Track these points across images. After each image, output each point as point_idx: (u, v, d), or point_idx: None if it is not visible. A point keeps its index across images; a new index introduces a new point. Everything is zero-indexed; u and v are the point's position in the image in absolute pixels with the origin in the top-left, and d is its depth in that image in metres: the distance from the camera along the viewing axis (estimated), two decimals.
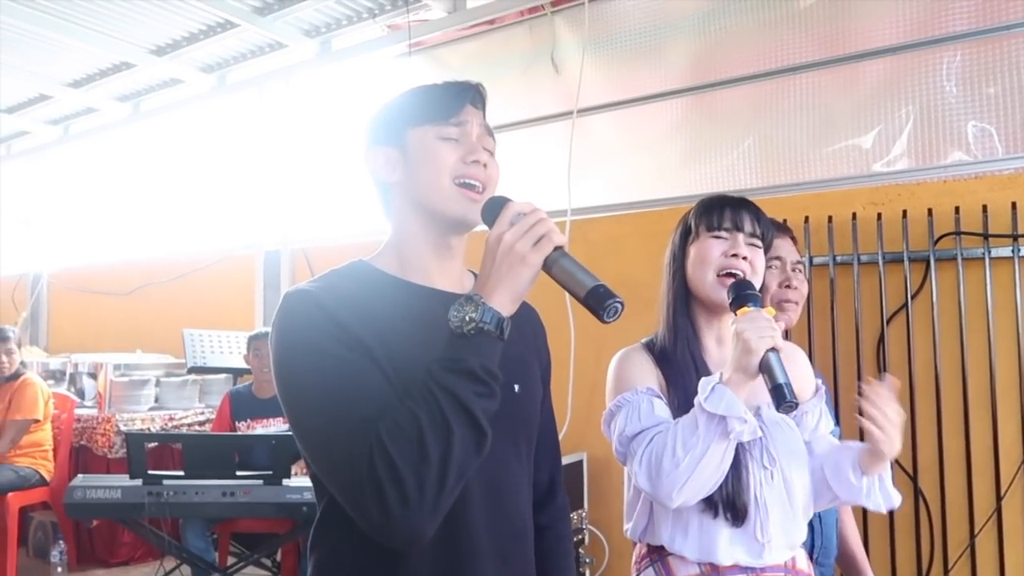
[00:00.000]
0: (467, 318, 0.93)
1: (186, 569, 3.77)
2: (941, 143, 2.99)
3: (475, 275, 1.19)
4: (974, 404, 2.67)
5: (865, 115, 3.14)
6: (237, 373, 4.28)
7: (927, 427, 2.73)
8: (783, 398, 1.22)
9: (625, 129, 3.75)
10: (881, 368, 2.82)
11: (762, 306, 1.33)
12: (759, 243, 1.46)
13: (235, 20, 4.38)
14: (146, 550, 4.32)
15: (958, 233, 2.74)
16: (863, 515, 2.77)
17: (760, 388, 1.38)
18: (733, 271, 1.41)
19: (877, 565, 2.74)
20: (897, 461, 2.73)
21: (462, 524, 1.02)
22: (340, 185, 4.78)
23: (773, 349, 1.25)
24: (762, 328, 1.27)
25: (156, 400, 4.48)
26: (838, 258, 2.95)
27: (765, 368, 1.25)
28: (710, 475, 1.29)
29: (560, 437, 3.34)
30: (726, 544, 1.37)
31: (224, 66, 5.17)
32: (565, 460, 3.22)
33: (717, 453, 1.27)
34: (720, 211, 1.47)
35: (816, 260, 2.99)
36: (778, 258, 1.94)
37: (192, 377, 4.49)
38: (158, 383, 4.49)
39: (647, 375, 1.44)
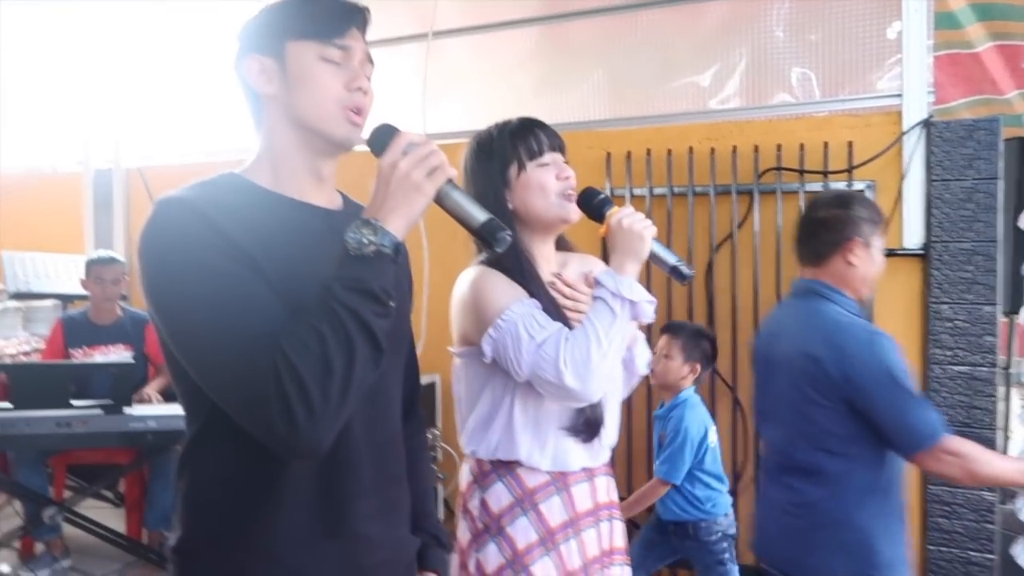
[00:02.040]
0: (365, 240, 0.96)
1: (18, 507, 3.59)
2: (768, 84, 3.25)
3: (343, 195, 1.22)
4: None
5: (704, 54, 3.34)
6: (67, 300, 4.01)
7: (746, 345, 3.03)
8: (683, 275, 1.42)
9: (480, 55, 3.76)
10: (709, 292, 3.09)
11: (613, 206, 1.47)
12: (564, 156, 1.57)
13: None
14: None
15: (779, 168, 3.01)
16: None
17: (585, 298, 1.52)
18: (570, 192, 1.51)
19: None
20: (718, 373, 3.04)
21: (342, 433, 1.04)
22: (181, 99, 4.47)
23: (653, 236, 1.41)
24: (643, 219, 1.40)
25: None
26: (675, 189, 3.16)
27: (654, 252, 1.41)
28: (615, 363, 1.43)
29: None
30: (577, 452, 1.50)
31: None
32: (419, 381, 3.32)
33: (626, 339, 1.42)
34: (537, 138, 1.52)
35: (656, 191, 3.19)
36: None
37: (14, 304, 4.15)
38: None
39: (515, 288, 1.45)
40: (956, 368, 2.73)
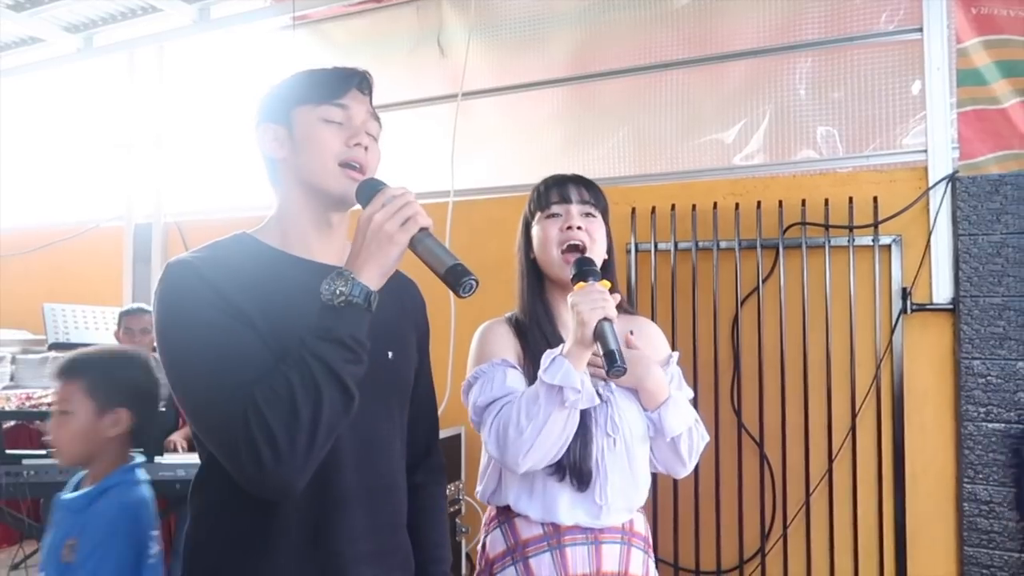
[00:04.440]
0: (337, 291, 1.01)
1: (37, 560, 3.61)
2: (792, 141, 3.28)
3: None
4: (812, 377, 2.97)
5: (728, 112, 3.39)
6: None
7: (773, 399, 3.01)
8: (613, 362, 1.28)
9: (508, 114, 3.86)
10: (735, 345, 3.08)
11: (599, 280, 1.40)
12: (594, 211, 1.56)
13: None
14: (2, 534, 4.08)
15: (803, 223, 3.02)
16: (715, 479, 3.04)
17: None
18: (573, 243, 1.50)
19: (727, 523, 3.02)
20: (746, 429, 3.01)
21: (333, 477, 1.10)
22: (217, 158, 4.65)
23: (606, 319, 1.31)
24: (594, 300, 1.33)
25: (12, 378, 4.23)
26: (700, 244, 3.18)
27: (599, 336, 1.31)
28: (553, 442, 1.36)
29: (440, 411, 3.44)
30: (567, 506, 1.46)
31: (91, 27, 4.88)
32: (445, 433, 3.32)
33: (559, 421, 1.35)
34: (547, 190, 1.57)
35: (680, 245, 3.21)
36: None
37: (52, 354, 4.25)
38: (14, 360, 4.24)
39: (505, 347, 1.51)
40: (990, 425, 2.67)
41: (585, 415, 1.44)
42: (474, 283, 1.06)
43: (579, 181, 1.59)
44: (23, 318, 4.65)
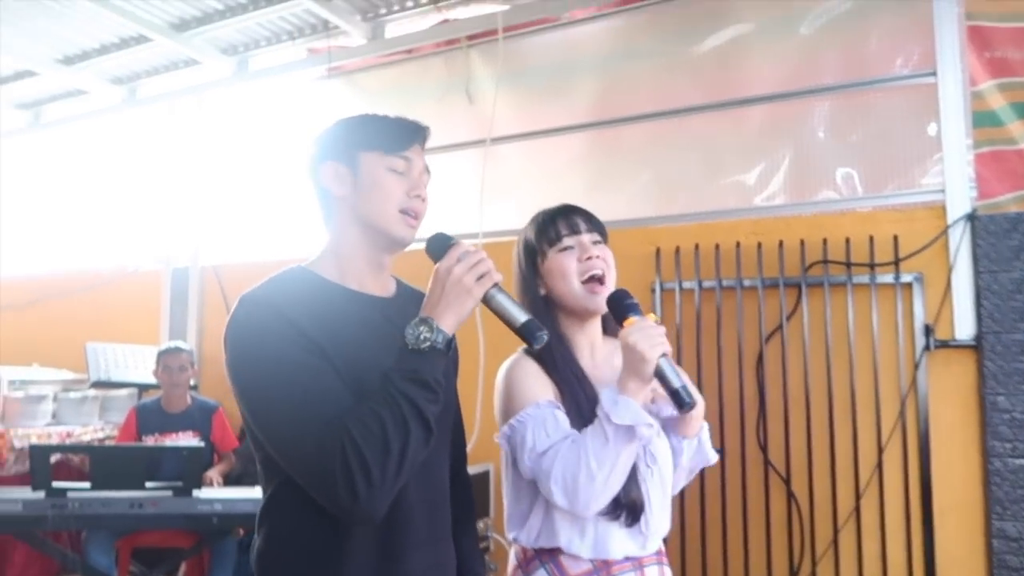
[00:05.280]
0: (422, 336, 1.11)
1: None
2: (812, 182, 3.36)
3: (397, 280, 1.37)
4: (838, 414, 3.00)
5: (748, 154, 3.49)
6: (142, 388, 4.23)
7: (798, 436, 3.04)
8: (682, 402, 1.30)
9: (534, 159, 3.99)
10: (760, 382, 3.13)
11: (642, 313, 1.40)
12: (600, 238, 1.56)
13: (151, 35, 4.38)
14: (38, 570, 4.16)
15: (825, 262, 3.08)
16: (743, 516, 3.06)
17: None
18: (594, 273, 1.51)
19: (755, 559, 3.03)
20: (772, 466, 3.04)
21: (400, 494, 1.17)
22: (253, 204, 4.82)
23: (664, 355, 1.32)
24: (652, 336, 1.33)
25: (53, 416, 4.34)
26: (723, 282, 3.25)
27: (659, 374, 1.31)
28: (621, 482, 1.37)
29: (469, 448, 3.50)
30: (619, 540, 1.45)
31: (134, 79, 5.12)
32: (473, 470, 3.36)
33: (627, 460, 1.36)
34: (555, 224, 1.54)
35: (705, 284, 3.28)
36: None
37: (92, 393, 4.38)
38: (56, 398, 4.36)
39: (543, 386, 1.47)
40: (1017, 461, 2.68)
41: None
42: (546, 336, 1.20)
43: (581, 212, 1.59)
44: (64, 359, 4.79)
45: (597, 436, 1.34)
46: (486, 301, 1.18)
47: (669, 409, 1.53)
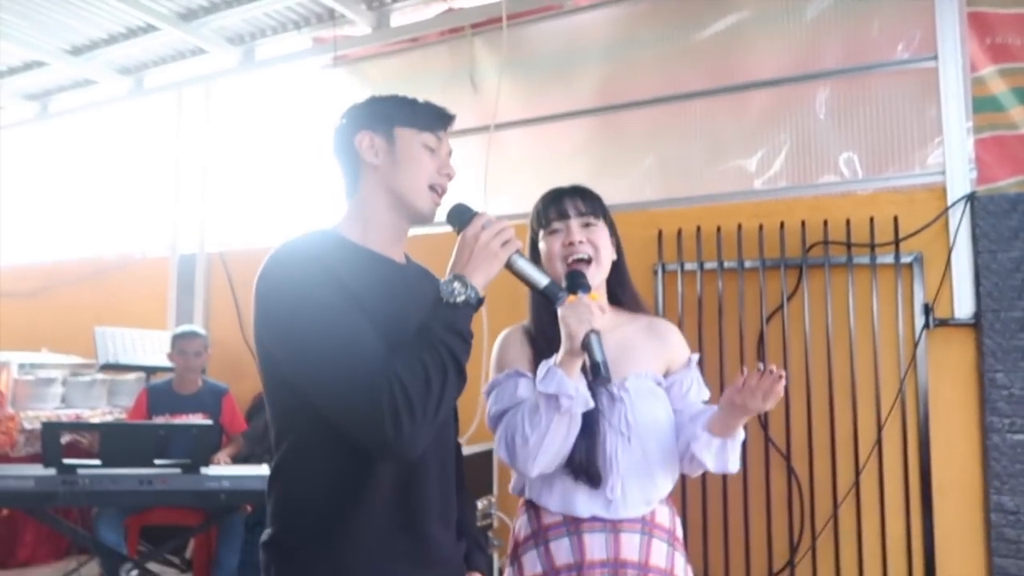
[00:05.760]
0: (456, 291, 1.20)
1: (88, 570, 3.74)
2: (813, 165, 3.40)
3: (405, 254, 1.42)
4: (838, 392, 3.04)
5: (750, 139, 3.52)
6: (150, 371, 4.27)
7: (799, 414, 3.08)
8: (598, 374, 1.34)
9: (538, 145, 4.03)
10: (761, 361, 3.15)
11: (588, 291, 1.45)
12: (593, 219, 1.62)
13: (158, 24, 4.43)
14: (48, 550, 4.21)
15: (826, 243, 3.12)
16: (744, 492, 3.10)
17: (633, 358, 1.61)
18: (577, 256, 1.58)
19: (755, 535, 3.07)
20: (773, 443, 3.07)
21: (418, 462, 1.25)
22: (259, 191, 4.86)
23: (593, 331, 1.36)
24: (581, 313, 1.37)
25: (63, 400, 4.40)
26: (725, 264, 3.29)
27: (586, 348, 1.36)
28: (557, 448, 1.45)
29: (473, 428, 3.55)
30: (584, 500, 1.53)
31: (141, 69, 5.17)
32: (477, 449, 3.42)
33: (560, 427, 1.43)
34: (545, 209, 1.63)
35: (707, 266, 3.32)
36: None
37: (101, 377, 4.44)
38: (65, 382, 4.42)
39: (519, 357, 1.59)
40: (1015, 436, 2.71)
41: (594, 416, 1.51)
42: (565, 294, 1.35)
43: (575, 192, 1.65)
44: (73, 344, 4.85)
45: (531, 404, 1.45)
46: (509, 265, 1.29)
47: (703, 399, 1.65)
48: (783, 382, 1.42)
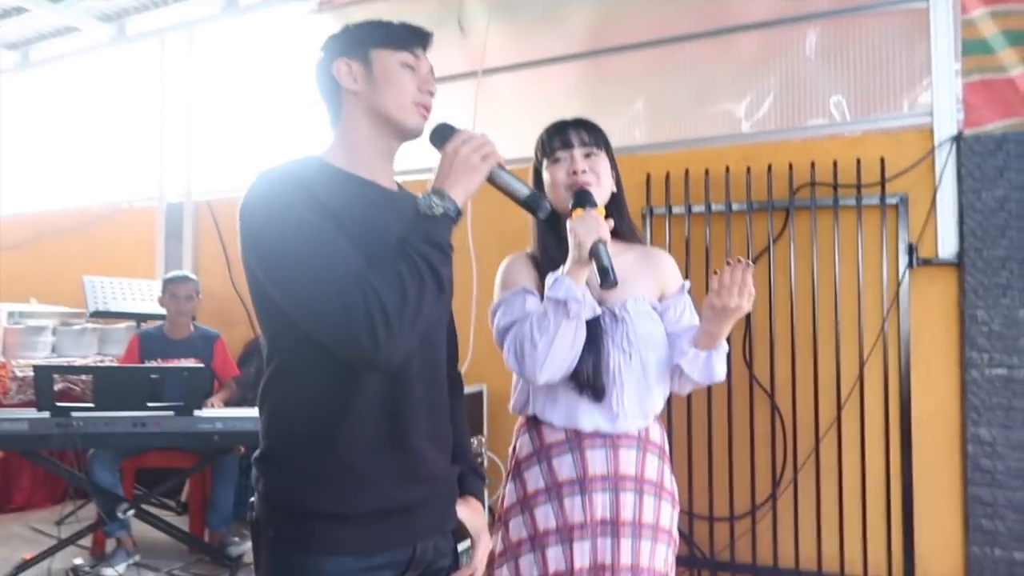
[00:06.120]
0: (434, 204, 1.19)
1: (84, 514, 3.80)
2: (802, 108, 3.40)
3: (399, 184, 1.43)
4: (821, 332, 3.09)
5: (739, 81, 3.52)
6: (140, 319, 4.29)
7: (783, 353, 3.13)
8: (606, 278, 1.44)
9: (527, 89, 4.00)
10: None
11: (594, 206, 1.55)
12: (595, 150, 1.69)
13: None
14: (45, 494, 4.27)
15: (812, 184, 3.14)
16: (728, 429, 3.16)
17: (631, 283, 1.67)
18: (580, 186, 1.63)
19: (739, 471, 3.14)
20: (757, 380, 3.13)
21: (403, 366, 1.25)
22: (245, 138, 4.82)
23: (601, 240, 1.47)
24: (589, 224, 1.49)
25: (53, 349, 4.42)
26: (713, 207, 3.31)
27: (594, 255, 1.46)
28: (565, 353, 1.53)
29: (464, 370, 3.58)
30: (587, 413, 1.61)
31: (123, 16, 5.08)
32: (468, 390, 3.46)
33: (568, 333, 1.51)
34: (549, 139, 1.70)
35: (694, 209, 3.34)
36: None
37: (91, 325, 4.45)
38: (55, 331, 4.43)
39: (525, 277, 1.67)
40: (993, 371, 2.77)
41: (599, 333, 1.60)
42: (548, 205, 1.34)
43: (578, 124, 1.71)
44: (61, 294, 4.85)
45: (540, 311, 1.53)
46: (491, 179, 1.27)
47: (692, 318, 1.70)
48: (751, 270, 1.50)
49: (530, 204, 1.32)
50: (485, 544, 1.43)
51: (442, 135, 1.28)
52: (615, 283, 1.45)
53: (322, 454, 1.23)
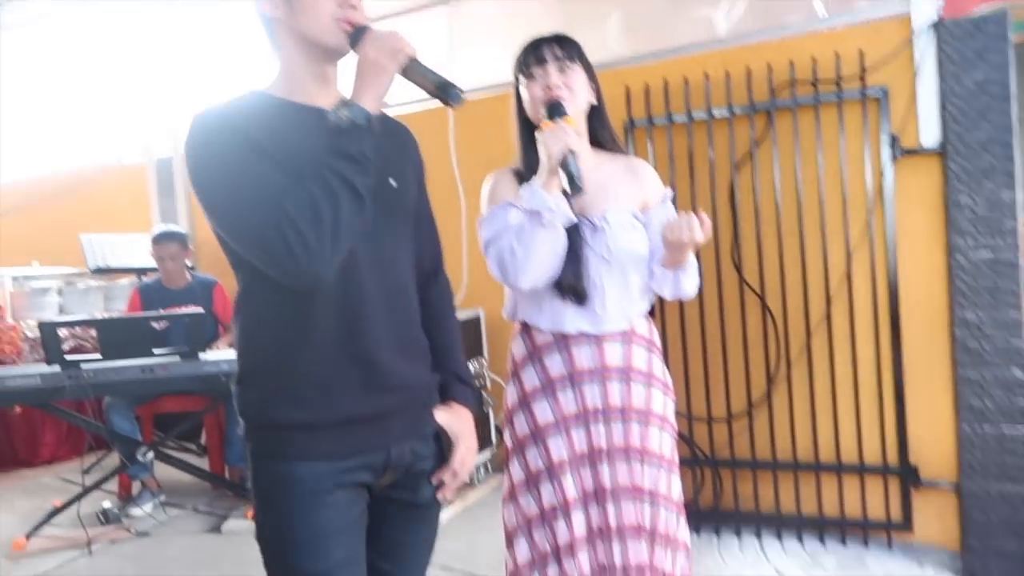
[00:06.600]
0: (342, 115, 1.21)
1: (108, 463, 3.93)
2: (778, 6, 3.35)
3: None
4: (807, 229, 3.11)
5: None
6: (141, 272, 4.36)
7: (771, 254, 3.16)
8: (573, 185, 1.54)
9: (502, 11, 3.95)
10: (733, 209, 3.22)
11: (564, 116, 1.62)
12: (569, 63, 1.74)
13: None
14: (69, 448, 4.42)
15: (792, 82, 3.11)
16: (721, 331, 3.22)
17: (613, 194, 1.74)
18: (553, 98, 1.69)
19: (734, 370, 3.22)
20: (747, 283, 3.17)
21: (353, 282, 1.30)
22: (229, 87, 4.79)
23: (571, 151, 1.54)
24: (558, 135, 1.56)
25: (60, 309, 4.51)
26: (694, 115, 3.29)
27: (562, 165, 1.54)
28: (544, 260, 1.61)
29: (460, 298, 3.65)
30: (571, 317, 1.72)
31: None
32: (465, 315, 3.53)
33: (545, 241, 1.59)
34: (524, 57, 1.77)
35: (675, 119, 3.32)
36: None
37: (95, 283, 4.53)
38: (60, 292, 4.51)
39: (508, 191, 1.74)
40: (977, 253, 2.80)
41: (579, 242, 1.68)
42: (462, 94, 1.26)
43: (552, 40, 1.76)
44: (61, 256, 4.92)
45: (519, 222, 1.62)
46: (405, 74, 1.25)
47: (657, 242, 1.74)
48: (708, 225, 1.59)
49: (441, 93, 1.26)
50: (466, 447, 1.47)
51: (355, 41, 1.27)
52: (582, 190, 1.53)
53: (286, 371, 1.29)
